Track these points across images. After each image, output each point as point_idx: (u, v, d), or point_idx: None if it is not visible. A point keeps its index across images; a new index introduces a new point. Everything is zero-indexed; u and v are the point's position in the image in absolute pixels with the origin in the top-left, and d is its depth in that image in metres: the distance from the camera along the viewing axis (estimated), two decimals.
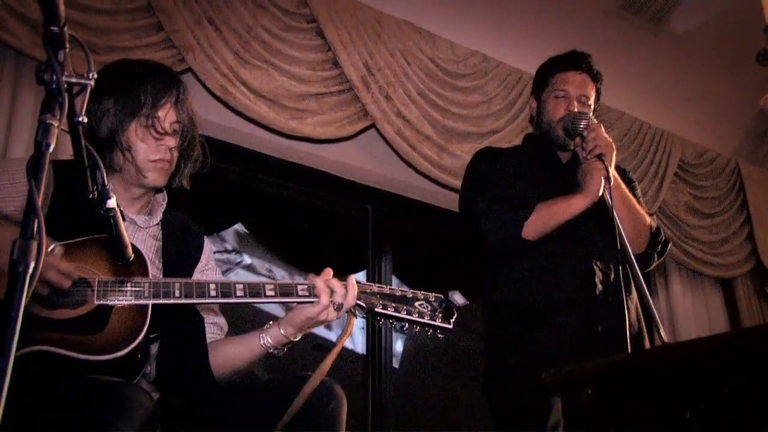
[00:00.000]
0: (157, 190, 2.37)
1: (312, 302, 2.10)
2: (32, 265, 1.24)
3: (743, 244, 5.80)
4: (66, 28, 1.25)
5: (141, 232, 2.31)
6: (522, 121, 4.84)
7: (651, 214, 3.23)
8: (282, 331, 2.17)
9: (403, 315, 2.15)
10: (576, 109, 3.11)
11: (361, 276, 4.59)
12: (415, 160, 4.49)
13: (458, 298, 2.17)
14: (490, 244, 3.02)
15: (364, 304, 2.13)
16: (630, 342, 2.64)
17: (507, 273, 3.06)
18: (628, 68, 5.22)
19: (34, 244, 1.25)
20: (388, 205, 4.74)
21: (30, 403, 1.64)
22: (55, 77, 1.23)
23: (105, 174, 1.57)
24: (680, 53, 5.41)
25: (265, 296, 2.06)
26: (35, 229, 1.24)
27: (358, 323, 3.93)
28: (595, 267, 2.97)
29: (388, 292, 2.18)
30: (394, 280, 4.67)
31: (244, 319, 3.72)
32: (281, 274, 4.41)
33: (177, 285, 2.00)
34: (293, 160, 4.40)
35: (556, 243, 2.98)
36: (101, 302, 1.91)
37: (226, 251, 4.25)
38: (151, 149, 2.23)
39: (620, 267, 2.85)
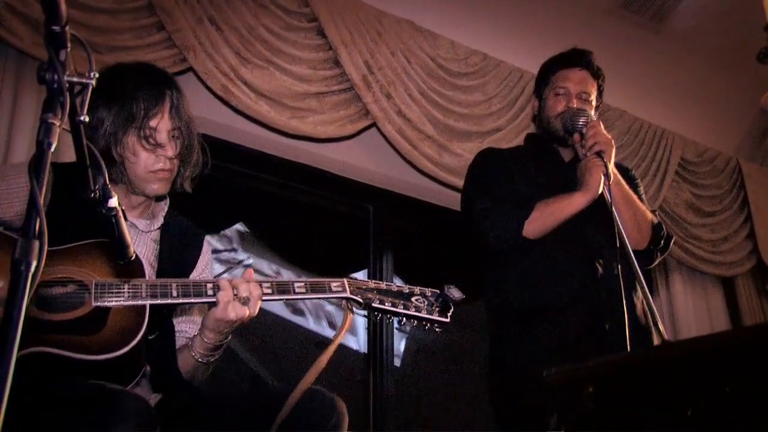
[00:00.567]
0: (159, 197, 2.35)
1: (213, 302, 2.05)
2: (34, 264, 1.24)
3: (744, 242, 5.80)
4: (67, 28, 1.25)
5: (142, 236, 2.30)
6: (523, 119, 4.84)
7: (653, 211, 3.23)
8: (204, 339, 2.14)
9: (400, 310, 2.16)
10: (576, 106, 3.11)
11: (361, 275, 4.59)
12: (416, 158, 4.49)
13: (455, 293, 2.18)
14: (491, 244, 3.02)
15: (361, 300, 2.13)
16: (637, 339, 2.64)
17: (508, 272, 3.06)
18: (628, 67, 5.21)
19: (36, 244, 1.25)
20: (388, 203, 4.74)
21: (30, 404, 1.64)
22: (56, 76, 1.23)
23: (106, 173, 1.57)
24: (681, 52, 5.40)
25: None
26: (37, 228, 1.24)
27: (361, 323, 3.94)
28: (597, 265, 2.96)
29: (384, 287, 2.18)
30: (395, 279, 4.68)
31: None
32: (288, 275, 4.41)
33: (174, 285, 2.00)
34: (294, 159, 4.40)
35: (557, 241, 2.98)
36: (98, 304, 1.91)
37: (227, 250, 4.25)
38: (149, 160, 2.21)
39: (621, 264, 2.85)
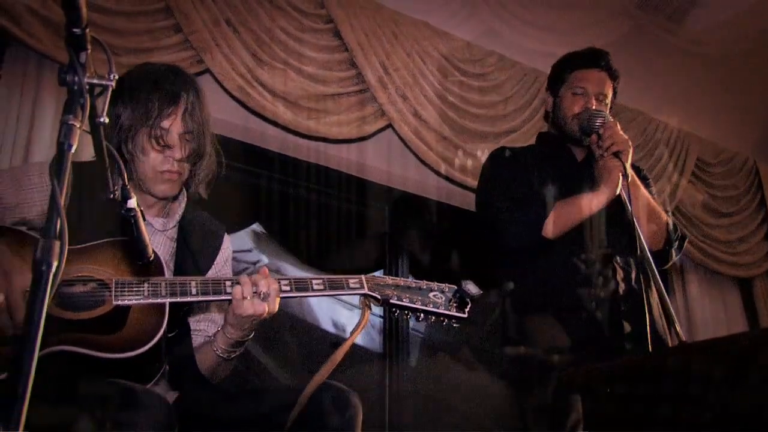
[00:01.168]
0: (169, 197, 2.35)
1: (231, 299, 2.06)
2: (55, 264, 1.25)
3: (761, 243, 5.75)
4: (88, 30, 1.26)
5: (157, 235, 2.31)
6: (538, 120, 4.83)
7: (667, 212, 3.22)
8: (226, 335, 2.15)
9: (418, 306, 2.16)
10: (593, 107, 3.10)
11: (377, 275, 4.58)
12: (432, 159, 4.48)
13: (471, 288, 2.17)
14: (510, 244, 3.01)
15: (379, 296, 2.13)
16: (654, 340, 2.62)
17: (525, 272, 3.05)
18: (645, 67, 5.19)
19: (57, 244, 1.26)
20: (404, 204, 4.74)
21: (53, 402, 1.66)
22: (77, 78, 1.24)
23: (126, 174, 1.58)
24: (697, 52, 5.37)
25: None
26: (58, 229, 1.25)
27: (377, 324, 3.94)
28: (615, 265, 2.95)
29: (402, 284, 2.19)
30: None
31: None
32: (302, 275, 4.41)
33: (194, 283, 2.01)
34: (310, 160, 4.41)
35: (575, 241, 2.97)
36: (118, 302, 1.92)
37: (242, 251, 4.26)
38: (157, 160, 2.21)
39: (640, 264, 2.84)
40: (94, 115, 1.30)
